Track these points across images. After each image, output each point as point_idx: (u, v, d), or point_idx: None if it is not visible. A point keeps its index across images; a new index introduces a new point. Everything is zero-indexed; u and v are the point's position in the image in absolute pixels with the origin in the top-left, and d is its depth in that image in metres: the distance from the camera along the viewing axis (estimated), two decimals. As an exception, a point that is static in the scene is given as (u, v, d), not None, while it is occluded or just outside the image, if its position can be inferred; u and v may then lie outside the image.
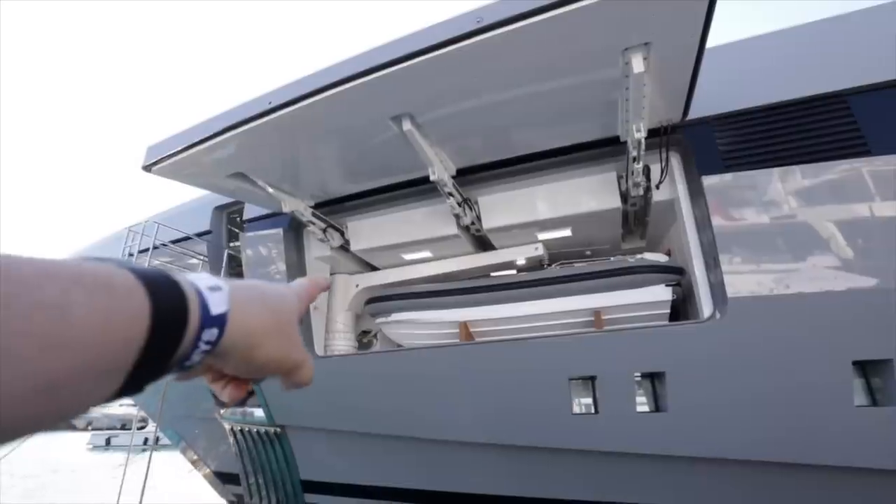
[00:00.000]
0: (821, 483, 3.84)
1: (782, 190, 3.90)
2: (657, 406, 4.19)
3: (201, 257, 6.64)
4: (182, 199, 7.71)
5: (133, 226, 5.72)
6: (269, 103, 3.64)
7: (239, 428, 6.68)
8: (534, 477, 4.92)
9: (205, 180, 4.73)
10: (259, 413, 6.35)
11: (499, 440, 4.80)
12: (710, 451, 4.00)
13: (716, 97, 4.20)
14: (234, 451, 6.90)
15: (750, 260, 3.86)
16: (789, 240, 3.80)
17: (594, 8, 2.73)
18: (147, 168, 4.21)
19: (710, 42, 3.20)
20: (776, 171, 3.93)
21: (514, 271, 5.82)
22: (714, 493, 4.24)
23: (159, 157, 4.12)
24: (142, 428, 19.29)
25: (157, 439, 8.40)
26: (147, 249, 5.51)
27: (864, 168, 3.71)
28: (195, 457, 8.08)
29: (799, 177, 3.89)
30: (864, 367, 3.65)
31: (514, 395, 4.58)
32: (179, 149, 4.02)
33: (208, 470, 8.00)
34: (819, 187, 3.83)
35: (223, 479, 7.74)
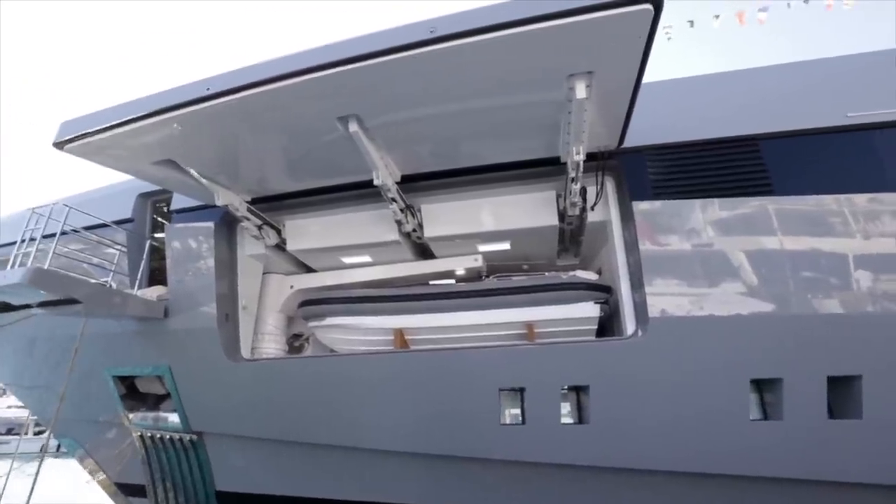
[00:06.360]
0: (725, 492, 4.17)
1: (702, 220, 4.26)
2: (580, 418, 4.37)
3: (119, 247, 6.09)
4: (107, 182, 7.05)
5: (38, 207, 5.11)
6: (208, 89, 3.43)
7: (149, 434, 6.14)
8: (461, 487, 4.94)
9: (128, 165, 4.37)
10: (174, 418, 5.88)
11: (428, 450, 4.77)
12: (627, 462, 4.22)
13: (649, 130, 4.51)
14: (142, 460, 6.34)
15: (671, 282, 4.16)
16: (705, 266, 4.15)
17: (544, 32, 2.86)
18: (59, 145, 3.83)
19: (647, 78, 3.46)
20: (698, 202, 4.29)
21: (452, 281, 5.86)
22: (630, 502, 4.48)
23: (75, 135, 3.76)
24: (40, 433, 17.20)
25: (59, 446, 7.45)
26: (53, 235, 4.95)
27: (769, 206, 4.15)
28: (94, 466, 7.33)
29: (717, 209, 4.27)
30: (760, 385, 4.04)
31: (446, 405, 4.59)
32: (99, 128, 3.69)
33: (109, 481, 7.28)
34: (733, 220, 4.23)
35: (127, 490, 7.08)
